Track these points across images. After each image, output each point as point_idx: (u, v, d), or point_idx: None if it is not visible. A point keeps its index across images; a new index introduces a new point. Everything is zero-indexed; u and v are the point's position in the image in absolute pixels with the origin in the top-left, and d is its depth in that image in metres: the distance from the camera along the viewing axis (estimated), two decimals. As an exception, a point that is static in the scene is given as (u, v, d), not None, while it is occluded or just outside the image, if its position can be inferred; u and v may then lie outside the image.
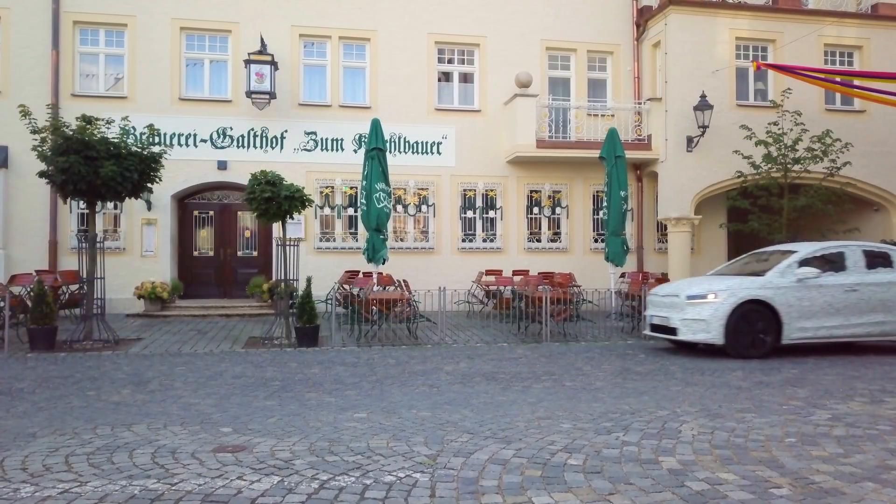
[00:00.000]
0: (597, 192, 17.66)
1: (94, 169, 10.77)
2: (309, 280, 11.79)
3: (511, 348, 11.11)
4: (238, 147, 16.09)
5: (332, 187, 16.64)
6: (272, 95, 15.54)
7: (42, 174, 11.17)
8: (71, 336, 11.28)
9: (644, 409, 6.51)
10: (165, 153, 11.89)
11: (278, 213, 11.82)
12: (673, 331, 10.50)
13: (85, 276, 11.58)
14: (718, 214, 17.39)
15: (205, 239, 16.90)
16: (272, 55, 15.50)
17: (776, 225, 13.47)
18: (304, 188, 12.21)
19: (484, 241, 17.32)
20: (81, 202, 15.17)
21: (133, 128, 11.55)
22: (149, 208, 15.41)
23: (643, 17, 17.68)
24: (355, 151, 16.54)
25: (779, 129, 13.58)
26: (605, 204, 14.89)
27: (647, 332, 11.37)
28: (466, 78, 17.49)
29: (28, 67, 15.24)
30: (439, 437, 5.41)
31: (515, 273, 15.67)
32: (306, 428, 5.74)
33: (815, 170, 13.85)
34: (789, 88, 14.22)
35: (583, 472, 4.48)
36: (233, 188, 16.71)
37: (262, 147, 16.22)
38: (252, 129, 16.17)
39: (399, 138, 16.69)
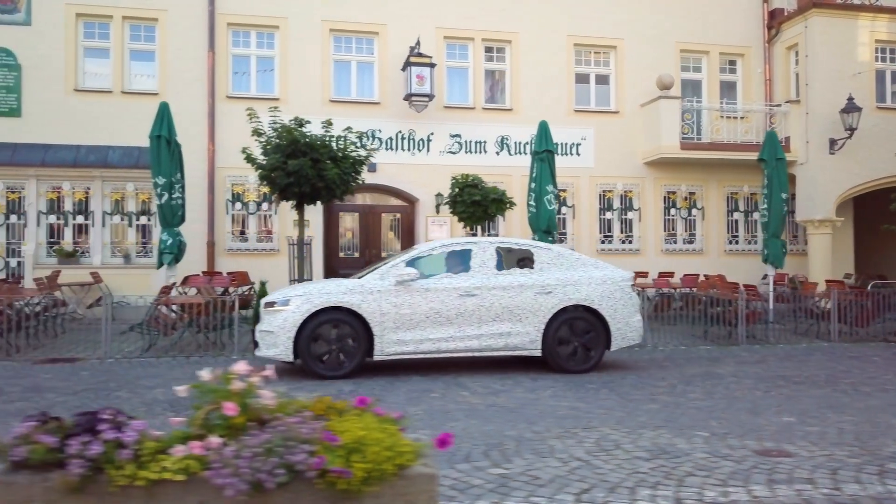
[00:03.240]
0: (731, 193, 17.78)
1: (319, 171, 10.80)
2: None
3: (727, 350, 11.12)
4: (386, 149, 16.09)
5: (477, 189, 16.65)
6: (431, 97, 15.55)
7: (264, 177, 11.16)
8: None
9: None
10: (372, 156, 11.91)
11: (484, 216, 11.87)
12: (257, 345, 8.74)
13: (296, 277, 11.62)
14: (845, 216, 17.51)
15: (349, 240, 16.88)
16: (430, 57, 15.51)
17: (951, 227, 13.62)
18: (504, 191, 12.25)
19: (622, 242, 17.38)
20: (238, 203, 15.31)
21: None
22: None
23: (775, 20, 17.78)
24: (497, 154, 16.58)
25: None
26: (763, 206, 14.86)
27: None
28: (602, 80, 17.56)
29: (185, 69, 15.20)
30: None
31: (661, 276, 15.70)
32: (767, 428, 5.93)
33: None
34: (961, 91, 14.40)
35: None
36: (378, 190, 16.71)
37: (409, 149, 16.24)
38: (399, 132, 16.17)
39: (540, 140, 16.69)
